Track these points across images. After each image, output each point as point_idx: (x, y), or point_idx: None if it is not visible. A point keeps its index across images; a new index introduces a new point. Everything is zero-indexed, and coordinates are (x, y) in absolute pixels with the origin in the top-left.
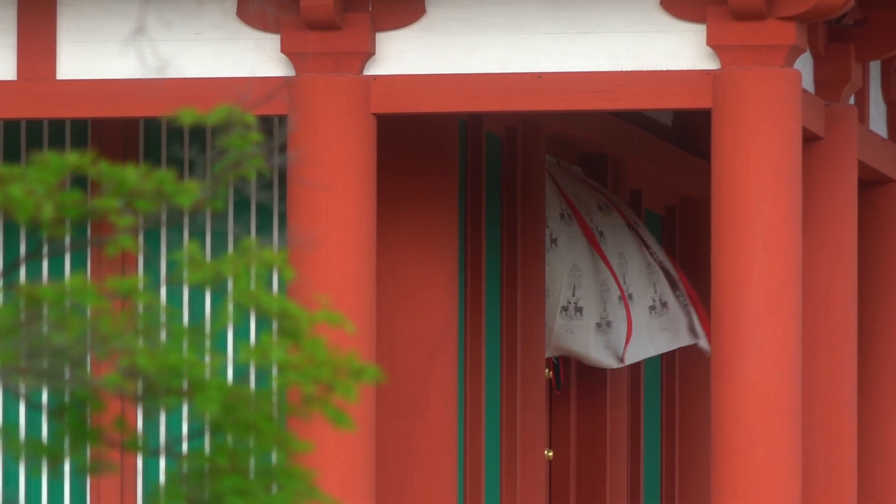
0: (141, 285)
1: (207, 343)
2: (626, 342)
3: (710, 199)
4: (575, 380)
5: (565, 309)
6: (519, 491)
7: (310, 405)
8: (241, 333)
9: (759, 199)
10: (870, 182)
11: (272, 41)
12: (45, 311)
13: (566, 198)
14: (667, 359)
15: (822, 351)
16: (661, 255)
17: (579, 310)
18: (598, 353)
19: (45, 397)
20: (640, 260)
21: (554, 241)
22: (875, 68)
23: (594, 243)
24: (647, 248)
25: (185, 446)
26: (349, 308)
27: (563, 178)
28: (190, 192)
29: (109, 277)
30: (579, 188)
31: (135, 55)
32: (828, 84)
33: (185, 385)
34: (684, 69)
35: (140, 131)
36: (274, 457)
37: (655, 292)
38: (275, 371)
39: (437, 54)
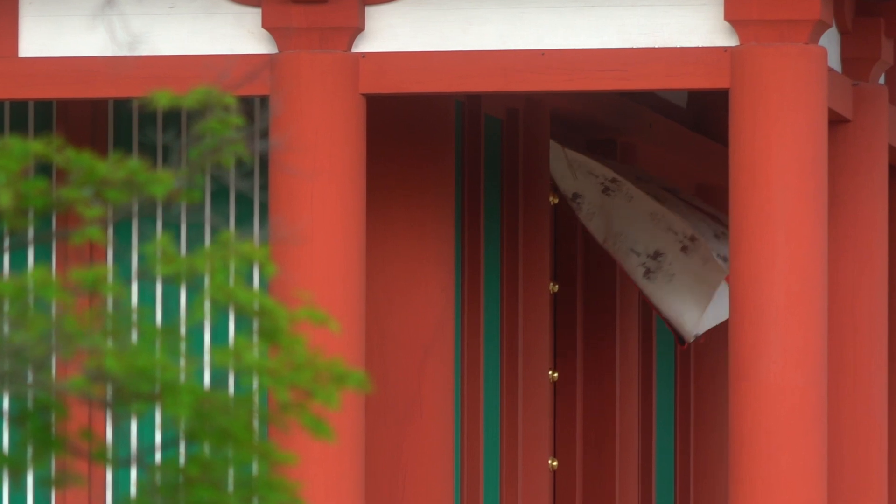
0: (109, 276)
1: (182, 345)
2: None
3: (728, 187)
4: (580, 380)
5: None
6: (521, 502)
7: (287, 412)
8: (219, 335)
9: (782, 186)
10: None
11: (253, 15)
12: (5, 308)
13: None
14: (681, 357)
15: (848, 351)
16: (710, 209)
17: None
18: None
19: (5, 403)
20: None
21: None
22: None
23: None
24: (697, 208)
25: (157, 456)
26: (336, 305)
27: (592, 161)
28: (164, 180)
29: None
30: (611, 167)
31: (104, 31)
32: (856, 62)
33: (157, 390)
34: (700, 46)
35: (110, 114)
36: (255, 467)
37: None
38: (255, 375)
39: (431, 30)
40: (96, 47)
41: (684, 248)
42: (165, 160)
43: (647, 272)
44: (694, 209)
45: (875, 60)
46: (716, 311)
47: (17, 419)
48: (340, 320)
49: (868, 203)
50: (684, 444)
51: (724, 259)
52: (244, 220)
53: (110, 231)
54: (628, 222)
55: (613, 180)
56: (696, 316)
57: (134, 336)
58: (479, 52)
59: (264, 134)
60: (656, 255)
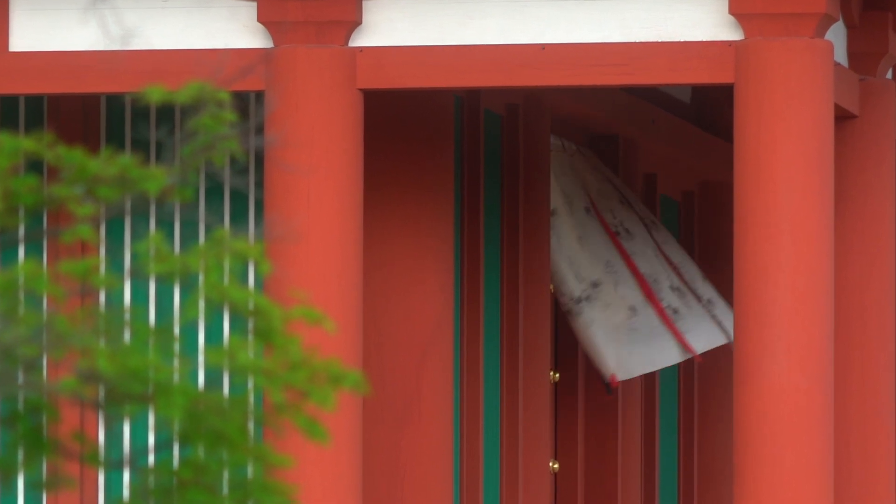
0: (101, 268)
1: (175, 345)
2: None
3: (733, 184)
4: (583, 382)
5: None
6: None
7: (282, 413)
8: (214, 335)
9: (787, 183)
10: None
11: (248, 9)
12: None
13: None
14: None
15: (856, 351)
16: (678, 257)
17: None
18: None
19: None
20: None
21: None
22: None
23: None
24: (664, 254)
25: (150, 458)
26: (333, 304)
27: (582, 167)
28: (157, 177)
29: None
30: (600, 179)
31: (96, 25)
32: (863, 56)
33: (149, 391)
34: (704, 40)
35: (102, 110)
36: (250, 469)
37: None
38: (250, 376)
39: (430, 24)
40: (88, 42)
41: (587, 298)
42: (159, 157)
43: (570, 313)
44: (659, 254)
45: (882, 55)
46: (650, 356)
47: (8, 421)
48: (337, 319)
49: (875, 199)
50: (688, 445)
51: (675, 311)
52: (239, 217)
53: (102, 229)
54: (553, 263)
55: (553, 212)
56: (611, 361)
57: (126, 336)
58: (479, 46)
59: (259, 130)
60: (578, 301)
